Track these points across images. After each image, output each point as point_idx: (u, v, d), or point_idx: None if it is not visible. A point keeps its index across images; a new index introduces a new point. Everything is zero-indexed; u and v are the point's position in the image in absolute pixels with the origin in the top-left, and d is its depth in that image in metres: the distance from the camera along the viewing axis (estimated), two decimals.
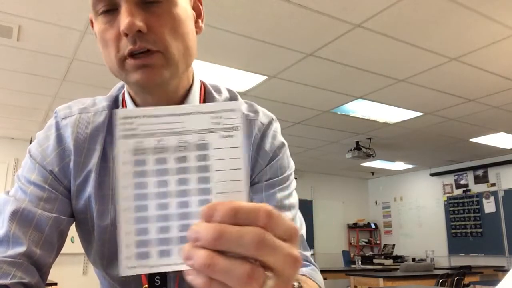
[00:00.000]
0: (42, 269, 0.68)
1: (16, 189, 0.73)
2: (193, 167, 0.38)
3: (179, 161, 0.38)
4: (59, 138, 0.76)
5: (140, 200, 0.38)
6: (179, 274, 0.75)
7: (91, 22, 0.74)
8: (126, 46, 0.64)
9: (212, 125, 0.38)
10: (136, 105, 0.76)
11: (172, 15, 0.66)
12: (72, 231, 0.79)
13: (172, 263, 0.37)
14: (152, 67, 0.65)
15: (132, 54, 0.64)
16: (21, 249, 0.65)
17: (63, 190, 0.74)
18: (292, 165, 0.87)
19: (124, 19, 0.62)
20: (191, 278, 0.36)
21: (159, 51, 0.65)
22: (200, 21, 0.76)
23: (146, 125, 0.38)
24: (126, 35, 0.63)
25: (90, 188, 0.74)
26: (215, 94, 0.84)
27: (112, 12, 0.65)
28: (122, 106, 0.80)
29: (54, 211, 0.71)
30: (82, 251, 0.81)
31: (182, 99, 0.76)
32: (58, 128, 0.77)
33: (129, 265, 0.37)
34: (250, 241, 0.35)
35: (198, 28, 0.75)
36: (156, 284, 0.72)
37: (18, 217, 0.67)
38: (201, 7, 0.77)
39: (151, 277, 0.72)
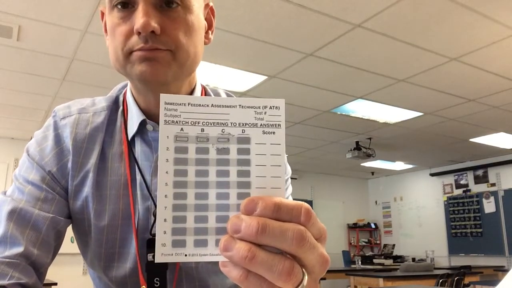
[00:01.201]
0: (39, 270, 0.68)
1: (14, 189, 0.73)
2: (234, 160, 0.38)
3: (220, 152, 0.38)
4: (58, 138, 0.76)
5: (180, 188, 0.37)
6: (177, 276, 0.75)
7: (102, 14, 0.74)
8: (137, 43, 0.65)
9: (255, 120, 0.39)
10: (138, 105, 0.76)
11: (187, 21, 0.67)
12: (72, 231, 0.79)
13: (208, 253, 0.37)
14: (158, 61, 0.65)
15: (140, 50, 0.65)
16: (19, 249, 0.65)
17: (60, 190, 0.74)
18: (289, 170, 0.87)
19: (139, 18, 0.62)
20: (227, 270, 0.36)
21: (169, 50, 0.66)
22: (210, 32, 0.78)
23: (190, 113, 0.38)
24: (139, 33, 0.63)
25: (87, 188, 0.74)
26: None
27: (127, 8, 0.65)
28: (123, 106, 0.80)
29: (51, 211, 0.71)
30: None
31: None
32: (56, 127, 0.77)
33: (164, 252, 0.37)
34: (293, 238, 0.35)
35: (207, 39, 0.77)
36: (155, 285, 0.72)
37: (16, 217, 0.67)
38: (213, 19, 0.79)
39: (150, 278, 0.72)
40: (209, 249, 0.37)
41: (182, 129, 0.38)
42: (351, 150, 6.50)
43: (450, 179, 8.42)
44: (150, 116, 0.76)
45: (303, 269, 0.37)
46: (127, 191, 0.74)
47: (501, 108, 5.02)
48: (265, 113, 0.39)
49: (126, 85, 0.84)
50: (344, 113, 5.26)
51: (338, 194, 9.53)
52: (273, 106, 0.39)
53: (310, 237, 0.36)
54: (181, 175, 0.38)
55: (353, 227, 9.58)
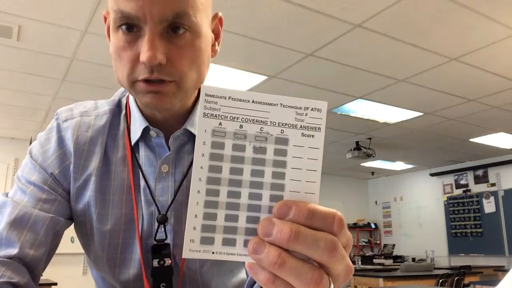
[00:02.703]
0: (34, 271, 0.68)
1: (16, 190, 0.73)
2: (270, 160, 0.37)
3: (257, 151, 0.37)
4: (60, 141, 0.76)
5: (213, 184, 0.36)
6: (181, 282, 0.74)
7: (105, 18, 0.73)
8: (142, 72, 0.63)
9: (295, 121, 0.37)
10: (142, 111, 0.76)
11: (194, 47, 0.65)
12: (72, 231, 0.79)
13: (235, 253, 0.37)
14: (163, 94, 0.65)
15: (145, 80, 0.64)
16: (13, 251, 0.65)
17: (62, 192, 0.74)
18: None
19: (145, 51, 0.60)
20: (253, 271, 0.36)
21: (174, 81, 0.65)
22: (216, 43, 0.76)
23: (229, 108, 0.37)
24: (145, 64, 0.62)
25: (90, 192, 0.74)
26: None
27: (132, 31, 0.63)
28: (126, 110, 0.80)
29: (52, 211, 0.71)
30: (82, 251, 0.81)
31: (189, 111, 0.77)
32: (59, 130, 0.77)
33: (192, 248, 0.36)
34: (325, 248, 0.35)
35: (213, 52, 0.75)
36: None
37: (14, 218, 0.68)
38: (220, 29, 0.77)
39: (156, 284, 0.72)
40: (237, 249, 0.37)
41: (220, 124, 0.36)
42: (351, 150, 6.50)
43: (450, 179, 8.42)
44: (154, 121, 0.75)
45: (329, 278, 0.37)
46: (130, 196, 0.74)
47: (501, 108, 5.02)
48: (306, 114, 0.37)
49: None
50: (344, 113, 5.26)
51: (338, 194, 9.52)
52: (315, 108, 0.38)
53: (340, 248, 0.36)
54: (215, 171, 0.36)
55: (353, 227, 9.58)
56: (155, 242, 0.73)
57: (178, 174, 0.76)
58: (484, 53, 3.62)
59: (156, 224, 0.73)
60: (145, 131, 0.75)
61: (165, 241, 0.73)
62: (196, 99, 0.78)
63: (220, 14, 0.77)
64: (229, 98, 0.36)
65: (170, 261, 0.72)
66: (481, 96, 4.63)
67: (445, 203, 8.42)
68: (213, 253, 0.36)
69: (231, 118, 0.37)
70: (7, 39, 3.28)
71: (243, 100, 0.37)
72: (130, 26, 0.62)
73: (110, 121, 0.78)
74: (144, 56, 0.60)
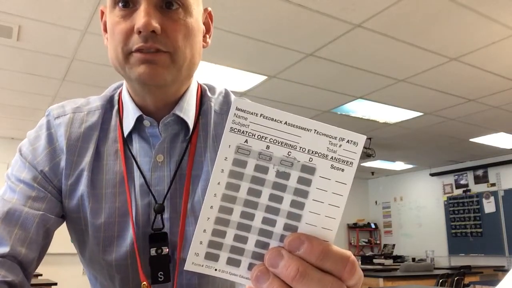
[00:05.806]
0: (27, 269, 0.68)
1: (5, 189, 0.73)
2: (291, 187, 0.35)
3: (279, 176, 0.35)
4: (50, 137, 0.76)
5: (227, 202, 0.35)
6: (178, 269, 0.74)
7: (102, 13, 0.75)
8: (137, 42, 0.65)
9: (326, 151, 0.35)
10: (136, 104, 0.77)
11: (186, 23, 0.68)
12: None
13: (238, 274, 0.36)
14: (157, 64, 0.66)
15: (140, 50, 0.65)
16: (5, 249, 0.65)
17: (52, 189, 0.74)
18: None
19: (140, 18, 0.63)
20: None
21: (168, 52, 0.66)
22: (208, 36, 0.79)
23: (259, 126, 0.34)
24: (140, 32, 0.64)
25: (82, 187, 0.74)
26: (209, 93, 0.86)
27: (128, 7, 0.66)
28: (118, 105, 0.80)
29: (42, 209, 0.71)
30: None
31: (179, 99, 0.78)
32: (49, 127, 0.77)
33: (195, 261, 0.36)
34: None
35: (205, 43, 0.78)
36: (159, 279, 0.72)
37: (4, 217, 0.68)
38: (211, 24, 0.80)
39: (154, 272, 0.72)
40: (241, 270, 0.36)
41: (246, 141, 0.34)
42: None
43: (450, 179, 8.42)
44: (147, 113, 0.76)
45: None
46: (123, 189, 0.74)
47: (501, 108, 5.02)
48: (340, 146, 0.35)
49: (120, 85, 0.84)
50: (344, 113, 5.26)
51: None
52: (351, 141, 0.35)
53: None
54: (232, 189, 0.35)
55: (353, 227, 9.58)
56: (152, 231, 0.73)
57: (173, 163, 0.76)
58: (484, 53, 3.62)
59: (153, 213, 0.74)
60: (139, 121, 0.76)
61: (163, 230, 0.73)
62: (185, 92, 0.79)
63: (209, 9, 0.80)
64: (260, 115, 0.34)
65: (167, 250, 0.72)
66: (481, 96, 4.63)
67: (445, 203, 8.42)
68: (215, 270, 0.36)
69: (258, 137, 0.35)
70: (7, 39, 3.28)
71: (275, 120, 0.35)
72: (127, 2, 0.66)
73: (102, 116, 0.79)
74: (139, 22, 0.63)
